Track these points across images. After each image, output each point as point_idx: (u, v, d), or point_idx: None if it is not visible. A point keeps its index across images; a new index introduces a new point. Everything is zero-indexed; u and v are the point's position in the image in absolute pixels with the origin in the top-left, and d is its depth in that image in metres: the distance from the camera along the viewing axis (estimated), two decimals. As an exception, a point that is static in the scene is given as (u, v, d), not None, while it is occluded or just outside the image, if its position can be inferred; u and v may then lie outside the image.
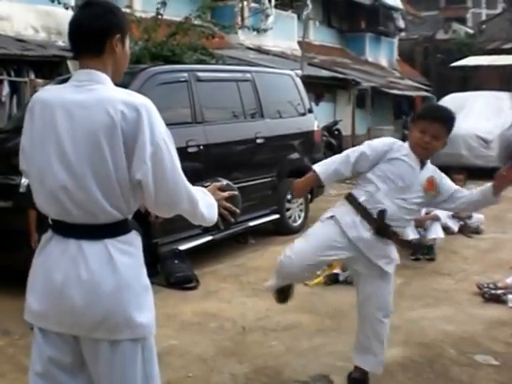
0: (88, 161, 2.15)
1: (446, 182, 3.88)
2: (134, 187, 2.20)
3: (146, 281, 2.34)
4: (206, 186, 2.51)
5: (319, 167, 3.89)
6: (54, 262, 2.25)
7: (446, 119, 3.77)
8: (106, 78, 2.25)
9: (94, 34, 2.23)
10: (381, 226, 3.73)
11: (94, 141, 2.13)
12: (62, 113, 2.18)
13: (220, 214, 2.52)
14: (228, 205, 2.56)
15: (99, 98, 2.16)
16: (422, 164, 3.81)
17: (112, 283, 2.21)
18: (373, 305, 3.84)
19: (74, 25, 2.27)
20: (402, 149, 3.83)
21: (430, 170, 3.87)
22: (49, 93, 2.30)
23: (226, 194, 2.56)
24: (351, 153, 3.85)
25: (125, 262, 2.24)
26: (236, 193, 2.63)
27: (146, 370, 2.33)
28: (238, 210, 2.62)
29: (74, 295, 2.20)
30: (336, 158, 3.91)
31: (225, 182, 2.65)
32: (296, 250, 3.96)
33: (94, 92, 2.19)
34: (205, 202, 2.35)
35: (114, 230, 2.24)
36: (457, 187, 3.88)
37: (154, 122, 2.17)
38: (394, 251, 3.87)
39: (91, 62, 2.24)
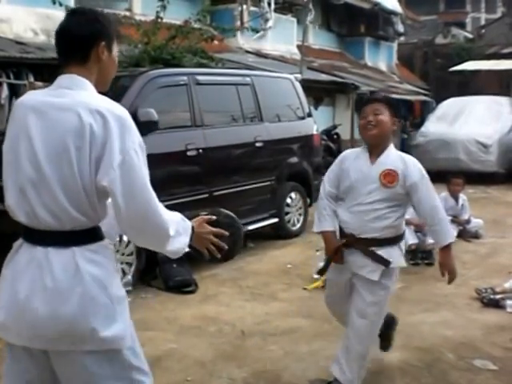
0: (55, 162, 2.14)
1: (417, 185, 3.69)
2: (100, 194, 2.17)
3: (118, 291, 2.27)
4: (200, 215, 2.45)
5: (323, 227, 3.96)
6: (19, 271, 2.21)
7: (380, 98, 3.87)
8: (87, 84, 2.25)
9: (79, 42, 2.24)
10: (347, 240, 3.80)
11: (62, 142, 2.13)
12: (35, 115, 2.19)
13: (207, 249, 2.43)
14: (216, 240, 2.43)
15: (74, 102, 2.16)
16: (377, 156, 3.76)
17: (77, 294, 2.15)
18: (353, 309, 3.83)
19: (59, 33, 2.29)
20: (352, 153, 3.91)
21: (389, 163, 3.73)
22: (28, 96, 2.31)
23: (215, 230, 2.43)
24: (321, 190, 4.03)
25: (92, 271, 2.18)
26: (226, 233, 2.46)
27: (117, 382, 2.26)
28: (226, 246, 2.45)
29: (36, 305, 2.15)
30: (319, 205, 4.07)
31: (224, 214, 2.55)
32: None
33: (71, 96, 2.19)
34: (179, 228, 2.27)
35: (82, 237, 2.20)
36: (432, 197, 3.73)
37: (125, 130, 2.14)
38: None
39: (75, 69, 2.25)
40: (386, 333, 4.20)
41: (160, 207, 2.21)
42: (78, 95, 2.19)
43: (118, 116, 2.15)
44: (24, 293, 2.17)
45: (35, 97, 2.27)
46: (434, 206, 3.71)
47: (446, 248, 3.73)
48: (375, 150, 3.79)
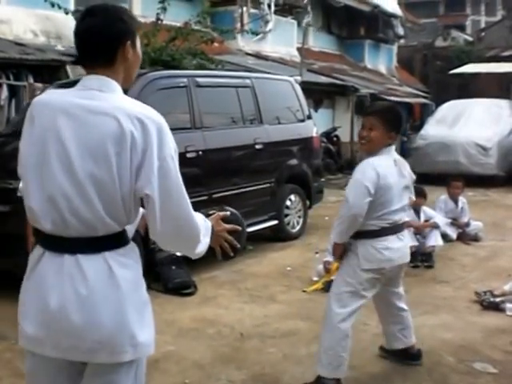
0: (92, 167, 2.06)
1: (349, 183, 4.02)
2: (137, 201, 2.13)
3: (146, 295, 2.25)
4: (210, 214, 2.41)
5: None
6: (47, 282, 2.12)
7: (377, 111, 4.07)
8: (117, 86, 2.17)
9: (105, 46, 2.14)
10: None
11: (100, 148, 2.05)
12: (67, 117, 2.09)
13: (220, 246, 2.42)
14: (230, 238, 2.43)
15: (110, 106, 2.09)
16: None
17: (114, 299, 2.10)
18: None
19: (80, 35, 2.17)
20: None
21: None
22: (52, 96, 2.20)
23: (229, 226, 2.44)
24: None
25: (125, 275, 2.14)
26: (240, 228, 2.49)
27: None
28: (238, 245, 2.47)
29: (72, 315, 2.08)
30: None
31: (230, 211, 2.53)
32: None
33: (105, 99, 2.11)
34: (203, 231, 2.25)
35: (112, 242, 2.14)
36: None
37: (163, 136, 2.09)
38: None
39: (102, 71, 2.16)
40: (401, 358, 4.46)
41: (193, 212, 2.19)
42: (110, 98, 2.11)
43: (157, 123, 2.10)
44: (56, 303, 2.09)
45: (62, 97, 2.15)
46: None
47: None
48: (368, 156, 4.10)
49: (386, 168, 3.93)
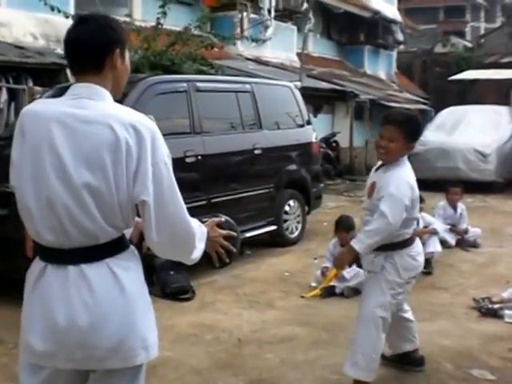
0: (89, 178, 2.06)
1: (383, 195, 3.85)
2: (133, 207, 2.14)
3: (148, 296, 2.28)
4: (204, 222, 2.41)
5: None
6: (53, 295, 2.11)
7: (398, 122, 3.96)
8: (107, 94, 2.18)
9: (94, 52, 2.16)
10: None
11: (96, 157, 2.06)
12: (60, 127, 2.09)
13: (216, 252, 2.42)
14: (226, 243, 2.43)
15: (103, 114, 2.09)
16: (381, 169, 4.04)
17: (122, 304, 2.12)
18: None
19: (71, 42, 2.19)
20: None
21: (378, 175, 3.99)
22: (42, 106, 2.21)
23: (224, 232, 2.44)
24: None
25: (130, 279, 2.16)
26: (235, 234, 2.49)
27: None
28: (234, 250, 2.48)
29: (82, 326, 2.09)
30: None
31: (224, 218, 2.52)
32: None
33: (96, 107, 2.12)
34: (199, 235, 2.25)
35: (113, 248, 2.16)
36: (379, 211, 3.84)
37: (156, 143, 2.12)
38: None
39: (91, 78, 2.17)
40: (404, 363, 4.46)
41: (189, 217, 2.19)
42: (101, 106, 2.12)
43: (151, 129, 2.12)
44: (65, 316, 2.09)
45: (54, 107, 2.16)
46: (374, 219, 3.87)
47: (349, 247, 3.99)
48: (384, 163, 4.07)
49: (413, 178, 3.97)
